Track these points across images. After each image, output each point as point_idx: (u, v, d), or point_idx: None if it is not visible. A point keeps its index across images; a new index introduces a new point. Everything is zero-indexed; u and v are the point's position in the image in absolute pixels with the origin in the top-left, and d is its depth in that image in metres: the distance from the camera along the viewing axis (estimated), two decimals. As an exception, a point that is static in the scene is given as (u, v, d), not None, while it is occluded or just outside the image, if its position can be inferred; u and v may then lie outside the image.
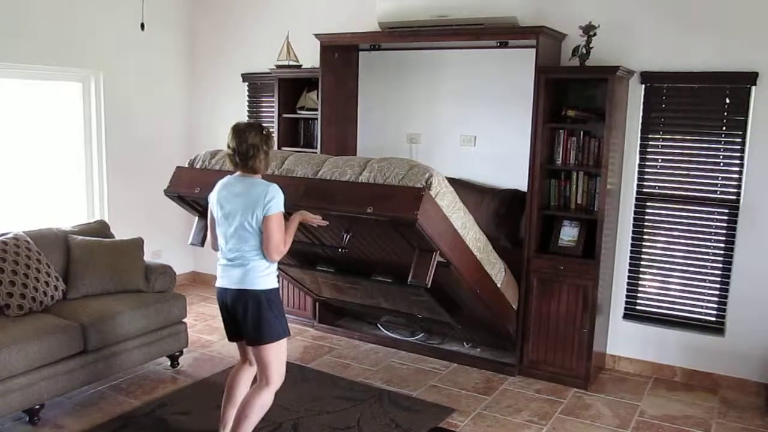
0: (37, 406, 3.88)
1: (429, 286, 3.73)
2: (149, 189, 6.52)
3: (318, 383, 4.59)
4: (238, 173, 3.35)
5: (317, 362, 4.99)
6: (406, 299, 4.58)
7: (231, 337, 3.54)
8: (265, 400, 3.39)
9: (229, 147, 3.29)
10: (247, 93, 6.47)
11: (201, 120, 6.84)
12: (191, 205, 4.47)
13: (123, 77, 6.11)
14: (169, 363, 4.80)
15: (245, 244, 3.28)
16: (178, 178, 4.40)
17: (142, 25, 4.19)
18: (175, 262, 5.57)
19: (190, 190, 4.24)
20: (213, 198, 3.40)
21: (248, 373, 3.62)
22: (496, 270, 4.43)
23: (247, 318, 3.29)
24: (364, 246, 4.06)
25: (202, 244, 4.33)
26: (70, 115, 5.86)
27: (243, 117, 6.49)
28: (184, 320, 4.81)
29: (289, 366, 4.79)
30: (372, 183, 3.69)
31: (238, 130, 3.28)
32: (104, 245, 4.68)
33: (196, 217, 4.47)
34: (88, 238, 4.70)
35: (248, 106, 6.49)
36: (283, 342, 3.41)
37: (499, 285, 4.46)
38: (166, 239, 6.66)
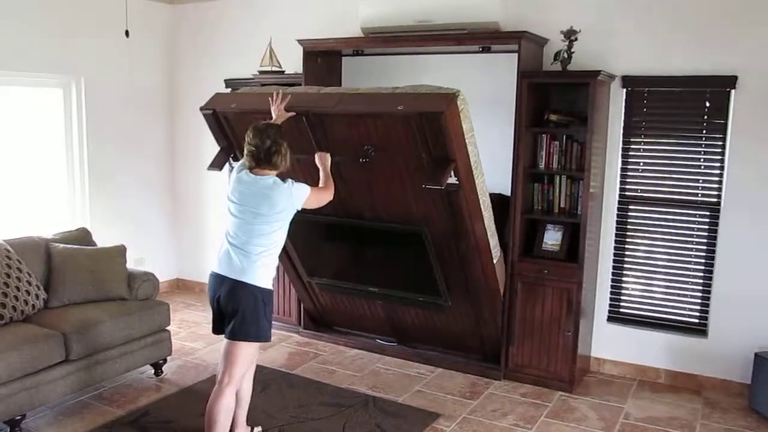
0: (18, 417, 3.82)
1: (443, 187, 3.83)
2: (132, 196, 6.50)
3: (303, 390, 4.57)
4: (256, 170, 3.38)
5: (302, 368, 4.97)
6: (405, 259, 4.58)
7: (216, 330, 3.51)
8: (230, 402, 3.38)
9: (250, 144, 3.35)
10: (230, 99, 6.44)
11: (183, 126, 6.80)
12: (221, 128, 4.55)
13: (104, 83, 6.07)
14: (152, 371, 4.76)
15: (254, 239, 3.32)
16: (215, 100, 4.58)
17: (127, 32, 4.18)
18: (158, 269, 5.53)
19: (225, 106, 4.44)
20: (230, 186, 3.46)
21: (225, 397, 3.38)
22: (494, 242, 4.45)
23: (239, 311, 3.29)
24: (382, 167, 4.15)
25: (221, 168, 4.65)
26: (51, 122, 5.81)
27: (226, 123, 6.47)
28: (168, 328, 4.77)
29: (274, 373, 4.80)
30: (403, 93, 3.95)
31: (260, 129, 3.37)
32: (86, 253, 4.64)
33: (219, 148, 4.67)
34: (69, 245, 4.65)
35: (231, 111, 6.46)
36: (258, 345, 3.45)
37: (494, 261, 4.47)
38: (149, 246, 6.63)
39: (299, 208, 3.40)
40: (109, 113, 6.15)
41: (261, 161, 3.35)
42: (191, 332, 5.70)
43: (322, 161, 3.78)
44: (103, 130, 6.10)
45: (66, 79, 5.82)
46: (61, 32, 5.67)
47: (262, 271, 3.35)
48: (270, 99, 3.94)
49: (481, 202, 4.18)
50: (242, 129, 3.98)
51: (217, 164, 4.66)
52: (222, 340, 3.48)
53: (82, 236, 4.93)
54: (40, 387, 3.89)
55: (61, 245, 4.63)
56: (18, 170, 5.59)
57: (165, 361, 4.80)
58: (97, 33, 5.88)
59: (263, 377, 4.71)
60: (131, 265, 4.98)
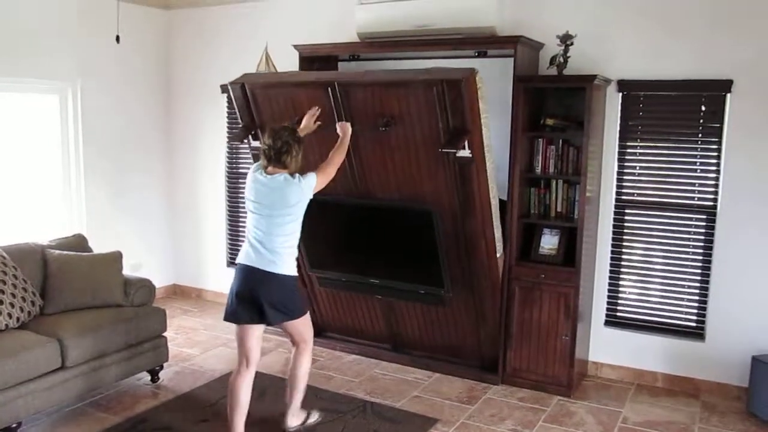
0: (14, 425, 3.81)
1: (458, 150, 4.08)
2: (128, 201, 6.50)
3: (301, 395, 4.55)
4: (269, 169, 3.66)
5: (300, 374, 4.96)
6: (412, 243, 4.68)
7: (237, 319, 3.73)
8: (309, 359, 3.96)
9: (265, 144, 3.65)
10: (226, 104, 6.44)
11: (179, 131, 6.80)
12: (246, 103, 4.77)
13: (100, 89, 6.07)
14: (149, 378, 4.74)
15: (274, 231, 3.62)
16: (245, 77, 4.79)
17: (117, 38, 4.16)
18: (155, 274, 5.53)
19: (254, 81, 4.72)
20: (247, 186, 3.74)
21: (249, 377, 3.78)
22: (498, 235, 4.51)
23: (277, 299, 3.65)
24: (399, 142, 4.36)
25: (241, 141, 5.02)
26: (47, 128, 5.80)
27: (222, 128, 6.48)
28: (165, 334, 4.76)
29: (272, 378, 4.79)
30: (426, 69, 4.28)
31: (275, 130, 3.67)
32: (82, 259, 4.63)
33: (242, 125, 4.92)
34: (65, 252, 4.64)
35: (227, 117, 6.46)
36: (308, 314, 3.93)
37: (498, 255, 4.52)
38: (145, 252, 6.61)
39: (311, 197, 3.69)
40: (105, 119, 6.14)
41: (272, 160, 3.63)
42: (188, 338, 5.69)
43: (344, 129, 4.08)
44: (99, 136, 6.09)
45: (62, 86, 5.82)
46: (57, 38, 5.67)
47: (287, 259, 3.68)
48: (308, 114, 4.21)
49: (489, 184, 4.28)
50: (266, 107, 4.68)
51: (238, 137, 4.99)
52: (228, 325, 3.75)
53: (78, 242, 4.91)
54: (36, 394, 3.87)
55: (57, 251, 4.61)
56: (14, 176, 5.58)
57: (162, 367, 4.78)
58: (92, 39, 5.87)
59: (260, 383, 4.69)
60: (128, 271, 4.96)
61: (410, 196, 4.57)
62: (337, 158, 3.91)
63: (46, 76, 5.65)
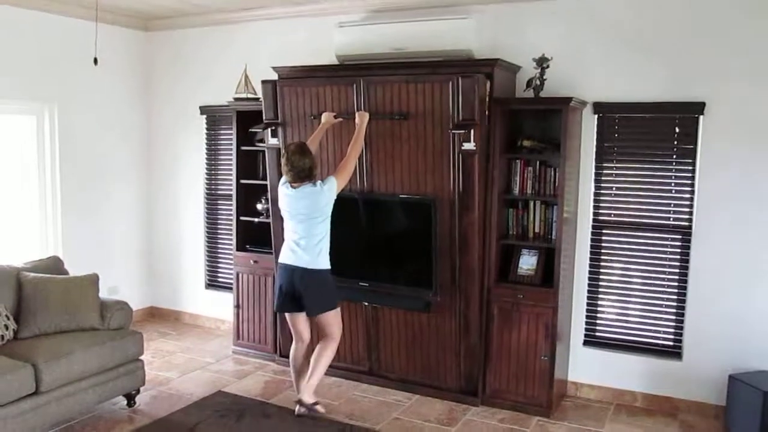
0: (-15, 452, 3.74)
1: (463, 145, 4.43)
2: (105, 223, 6.44)
3: (280, 419, 4.51)
4: (296, 183, 4.27)
5: (279, 398, 4.92)
6: (406, 239, 4.91)
7: (285, 309, 4.49)
8: (332, 351, 4.49)
9: (294, 164, 4.21)
10: (205, 125, 6.44)
11: (158, 153, 6.77)
12: (274, 100, 5.07)
13: (78, 110, 6.04)
14: (125, 402, 4.67)
15: (311, 231, 4.28)
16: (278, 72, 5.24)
17: (95, 60, 4.14)
18: (132, 297, 5.47)
19: (287, 73, 5.21)
20: (280, 199, 4.41)
21: (303, 348, 4.57)
22: None
23: (314, 292, 4.32)
24: (409, 136, 4.67)
25: (264, 129, 5.31)
26: (23, 149, 5.75)
27: (201, 150, 6.46)
28: (141, 357, 4.70)
29: (251, 402, 4.74)
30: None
31: (299, 153, 4.23)
32: (57, 282, 4.57)
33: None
34: (40, 274, 4.58)
35: (206, 138, 6.45)
36: (339, 309, 4.51)
37: None
38: (123, 274, 6.55)
39: (335, 196, 4.31)
40: (82, 140, 6.10)
41: (304, 178, 4.25)
42: (165, 361, 5.62)
43: (361, 118, 4.58)
44: (76, 158, 6.05)
45: (39, 106, 5.78)
46: (34, 59, 5.64)
47: (323, 255, 4.34)
48: (326, 113, 4.77)
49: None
50: (290, 103, 5.05)
51: (261, 127, 5.35)
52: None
53: (54, 265, 4.85)
54: (8, 420, 3.79)
55: (32, 274, 4.55)
56: (-11, 198, 5.52)
57: (138, 391, 4.72)
58: (70, 60, 5.85)
59: (239, 407, 4.66)
60: (104, 293, 4.91)
61: (413, 191, 4.76)
62: (354, 153, 4.45)
63: (22, 97, 5.61)
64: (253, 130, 5.61)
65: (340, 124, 4.78)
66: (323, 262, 4.34)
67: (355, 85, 4.75)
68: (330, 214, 4.33)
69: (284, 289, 4.38)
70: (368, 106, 4.72)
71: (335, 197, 4.32)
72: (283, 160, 4.29)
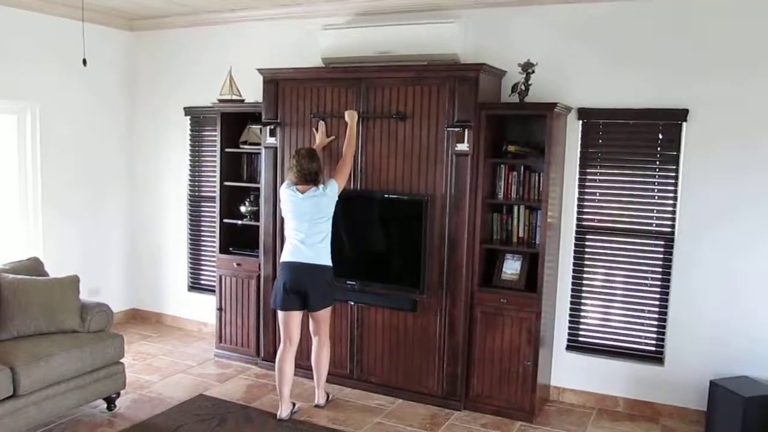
0: (-39, 456, 3.68)
1: (456, 146, 4.60)
2: (87, 224, 6.38)
3: (261, 423, 4.48)
4: (301, 186, 4.45)
5: (261, 401, 4.89)
6: (396, 235, 5.04)
7: (287, 307, 4.52)
8: (329, 349, 4.77)
9: (302, 167, 4.42)
10: (189, 127, 6.40)
11: (142, 154, 6.72)
12: (275, 99, 5.22)
13: (60, 110, 5.97)
14: (105, 406, 4.62)
15: (313, 229, 4.43)
16: (279, 73, 5.27)
17: (84, 61, 4.08)
18: (113, 299, 5.42)
19: (287, 75, 5.22)
20: (282, 202, 4.56)
21: (291, 354, 4.60)
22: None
23: (319, 287, 4.47)
24: (405, 137, 4.82)
25: (264, 126, 5.35)
26: (4, 149, 5.68)
27: (185, 151, 6.42)
28: (122, 360, 4.65)
29: (233, 406, 4.71)
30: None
31: (307, 157, 4.45)
32: (37, 283, 4.51)
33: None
34: (20, 276, 4.52)
35: (190, 140, 6.41)
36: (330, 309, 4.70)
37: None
38: (104, 276, 6.49)
39: (337, 198, 4.52)
40: (64, 140, 6.04)
41: (309, 181, 4.44)
42: (147, 364, 5.57)
43: (351, 116, 4.80)
44: (58, 158, 5.98)
45: (20, 106, 5.71)
46: (16, 58, 5.57)
47: (325, 252, 4.50)
48: (314, 129, 5.03)
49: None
50: (290, 103, 5.19)
51: (260, 124, 5.39)
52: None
53: (34, 266, 4.80)
54: (-15, 424, 3.75)
55: (11, 276, 4.49)
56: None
57: (118, 395, 4.67)
58: (53, 59, 5.79)
59: (220, 411, 4.62)
60: (85, 295, 4.86)
61: (406, 191, 4.86)
62: (349, 153, 4.72)
63: (4, 96, 5.54)
64: (253, 127, 5.59)
65: (337, 122, 4.90)
66: (326, 259, 4.50)
67: (356, 87, 4.89)
68: (332, 214, 4.51)
69: (288, 286, 4.46)
70: (368, 110, 4.85)
71: (337, 198, 4.51)
72: (292, 162, 4.49)
